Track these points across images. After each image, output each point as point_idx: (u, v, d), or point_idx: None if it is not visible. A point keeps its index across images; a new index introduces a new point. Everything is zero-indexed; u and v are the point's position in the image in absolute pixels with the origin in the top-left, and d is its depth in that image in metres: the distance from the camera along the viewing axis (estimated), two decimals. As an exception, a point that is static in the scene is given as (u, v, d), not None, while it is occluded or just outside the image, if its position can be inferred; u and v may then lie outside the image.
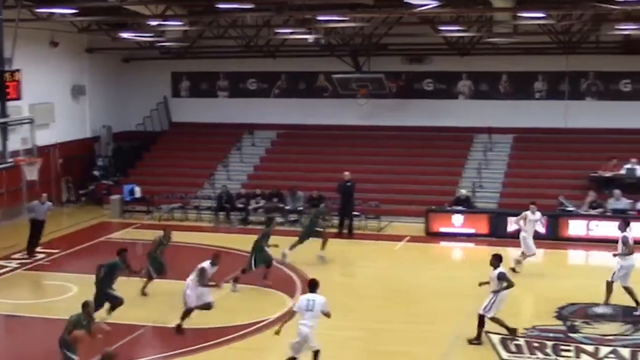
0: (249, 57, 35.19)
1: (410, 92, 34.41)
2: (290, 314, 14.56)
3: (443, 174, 31.96)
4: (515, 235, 25.60)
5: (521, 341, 16.56)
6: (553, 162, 31.49)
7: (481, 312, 16.51)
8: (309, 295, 14.54)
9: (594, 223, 26.87)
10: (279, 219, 27.51)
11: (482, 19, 29.09)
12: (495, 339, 16.64)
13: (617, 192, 27.81)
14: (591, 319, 18.11)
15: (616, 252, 19.08)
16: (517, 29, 29.41)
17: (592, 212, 27.43)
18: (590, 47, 31.83)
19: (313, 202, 29.26)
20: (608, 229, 26.49)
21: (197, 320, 17.54)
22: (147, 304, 19.71)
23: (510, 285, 16.49)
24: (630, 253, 18.83)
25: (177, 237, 26.21)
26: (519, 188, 30.60)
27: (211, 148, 35.30)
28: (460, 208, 28.13)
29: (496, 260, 16.72)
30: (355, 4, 25.35)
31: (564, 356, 15.90)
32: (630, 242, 18.96)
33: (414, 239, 26.25)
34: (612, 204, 27.61)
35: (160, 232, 21.33)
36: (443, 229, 27.81)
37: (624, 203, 27.60)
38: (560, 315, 18.35)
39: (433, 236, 27.61)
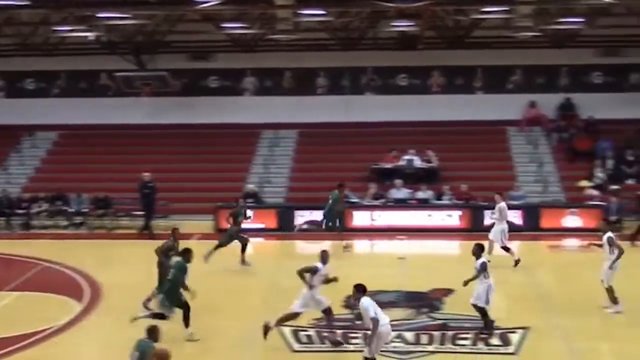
0: (25, 55, 33.92)
1: (195, 89, 34.35)
2: (374, 325, 13.83)
3: (231, 170, 32.14)
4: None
5: (311, 332, 16.82)
6: (336, 155, 32.40)
7: (480, 305, 16.34)
8: (368, 300, 14.22)
9: (377, 213, 27.99)
10: (63, 222, 26.60)
11: (264, 16, 29.43)
12: (287, 330, 16.80)
13: (398, 182, 29.03)
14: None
15: (610, 258, 17.86)
16: (298, 26, 30.02)
17: (375, 202, 28.47)
18: (369, 43, 32.97)
19: (99, 204, 28.66)
20: (390, 218, 27.75)
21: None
22: None
23: (476, 276, 16.32)
24: (622, 252, 17.88)
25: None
26: (305, 182, 31.30)
27: (-12, 151, 33.74)
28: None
29: (479, 249, 16.56)
30: (137, 0, 24.95)
31: (353, 343, 16.30)
32: (617, 241, 18.15)
33: (205, 237, 26.12)
34: (393, 194, 28.78)
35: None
36: (232, 225, 27.87)
37: (404, 193, 28.84)
38: (348, 303, 18.80)
39: (223, 233, 27.55)
